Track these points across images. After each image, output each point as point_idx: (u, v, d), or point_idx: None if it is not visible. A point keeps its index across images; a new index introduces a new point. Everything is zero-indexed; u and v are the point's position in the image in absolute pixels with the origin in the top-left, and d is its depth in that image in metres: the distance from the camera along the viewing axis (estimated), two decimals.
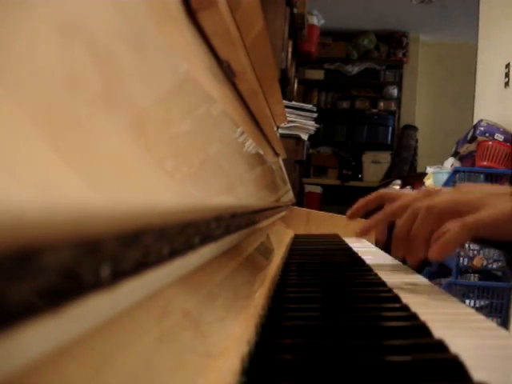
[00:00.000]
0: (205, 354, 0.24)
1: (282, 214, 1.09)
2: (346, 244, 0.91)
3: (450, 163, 2.83)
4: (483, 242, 0.49)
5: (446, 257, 0.46)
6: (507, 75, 2.75)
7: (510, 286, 2.46)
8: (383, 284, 0.50)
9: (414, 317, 0.35)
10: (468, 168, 2.64)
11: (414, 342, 0.29)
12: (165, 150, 0.25)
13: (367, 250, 0.84)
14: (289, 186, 1.29)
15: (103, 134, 0.17)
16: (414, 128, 4.98)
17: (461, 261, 2.43)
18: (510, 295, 2.48)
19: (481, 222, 0.45)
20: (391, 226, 0.71)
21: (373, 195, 0.68)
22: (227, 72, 0.55)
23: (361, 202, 0.69)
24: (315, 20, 4.15)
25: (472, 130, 2.75)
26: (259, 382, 0.24)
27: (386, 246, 0.73)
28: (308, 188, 4.50)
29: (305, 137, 2.64)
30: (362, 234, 0.69)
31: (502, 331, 0.36)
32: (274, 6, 2.73)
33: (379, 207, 0.69)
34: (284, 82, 3.11)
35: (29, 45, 0.14)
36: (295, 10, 3.28)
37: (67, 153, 0.14)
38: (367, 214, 0.70)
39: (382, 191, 0.69)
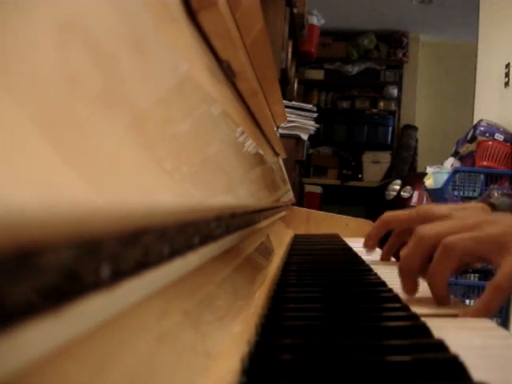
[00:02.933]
0: (205, 354, 0.24)
1: (282, 213, 1.09)
2: (346, 244, 0.91)
3: (450, 163, 2.83)
4: None
5: (444, 288, 0.44)
6: (507, 75, 2.75)
7: None
8: (383, 284, 0.50)
9: (414, 317, 0.35)
10: (468, 168, 2.64)
11: (414, 342, 0.29)
12: (165, 149, 0.25)
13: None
14: (289, 186, 1.29)
15: (103, 133, 0.17)
16: (414, 128, 4.99)
17: None
18: (510, 295, 2.47)
19: (459, 245, 0.43)
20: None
21: (378, 224, 0.69)
22: (227, 72, 0.55)
23: (371, 235, 0.71)
24: (315, 20, 4.15)
25: (472, 130, 2.75)
26: (259, 381, 0.24)
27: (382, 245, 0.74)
28: (308, 188, 4.50)
29: (305, 137, 2.64)
30: (369, 250, 0.71)
31: (502, 331, 0.36)
32: (273, 6, 2.73)
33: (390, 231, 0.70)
34: (284, 81, 3.10)
35: (28, 44, 0.14)
36: (295, 10, 3.28)
37: (67, 153, 0.14)
38: (382, 241, 0.72)
39: (386, 217, 0.70)
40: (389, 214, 0.69)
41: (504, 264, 0.42)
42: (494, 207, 0.64)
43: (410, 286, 0.47)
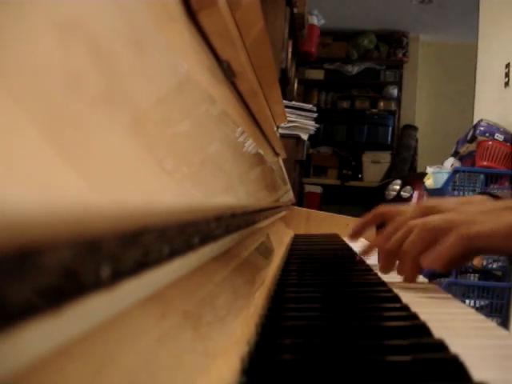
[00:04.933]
0: (205, 354, 0.24)
1: (282, 213, 1.09)
2: (346, 244, 0.91)
3: (450, 163, 2.83)
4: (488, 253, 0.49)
5: (439, 266, 0.46)
6: (507, 75, 2.75)
7: (510, 286, 2.46)
8: (383, 284, 0.50)
9: (414, 317, 0.35)
10: (468, 168, 2.64)
11: (414, 342, 0.29)
12: (165, 149, 0.25)
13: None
14: (289, 186, 1.29)
15: (103, 133, 0.17)
16: (414, 128, 4.99)
17: None
18: (510, 295, 2.48)
19: (474, 234, 0.45)
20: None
21: (372, 214, 0.69)
22: (227, 72, 0.55)
23: (361, 221, 0.70)
24: (315, 20, 4.15)
25: (472, 130, 2.75)
26: (259, 382, 0.24)
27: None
28: (308, 188, 4.50)
29: (305, 137, 2.64)
30: (352, 237, 0.70)
31: (502, 331, 0.36)
32: (274, 6, 2.73)
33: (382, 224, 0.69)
34: (284, 82, 3.10)
35: (28, 44, 0.14)
36: (295, 10, 3.28)
37: (67, 152, 0.14)
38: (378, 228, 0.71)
39: (381, 208, 0.70)
40: (386, 207, 0.69)
41: (472, 226, 0.46)
42: (498, 198, 0.64)
43: (389, 267, 0.52)
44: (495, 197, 0.65)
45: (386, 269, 0.53)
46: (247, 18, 0.57)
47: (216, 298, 0.32)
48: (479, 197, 0.64)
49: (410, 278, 0.51)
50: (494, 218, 0.47)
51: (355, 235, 0.70)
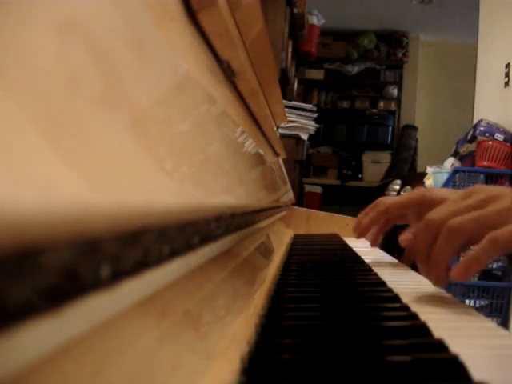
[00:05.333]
0: (205, 353, 0.24)
1: (282, 213, 1.09)
2: (346, 244, 0.91)
3: (450, 163, 2.83)
4: None
5: (471, 276, 0.42)
6: (507, 75, 2.75)
7: (510, 286, 2.46)
8: (383, 284, 0.50)
9: (414, 317, 0.35)
10: (468, 168, 2.64)
11: (414, 342, 0.29)
12: (165, 149, 0.25)
13: (367, 250, 0.84)
14: (289, 185, 1.29)
15: (103, 133, 0.17)
16: (414, 128, 4.99)
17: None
18: (510, 295, 2.48)
19: (507, 237, 0.41)
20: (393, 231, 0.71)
21: (375, 211, 0.69)
22: (227, 72, 0.55)
23: (365, 218, 0.70)
24: (315, 20, 4.15)
25: (472, 130, 2.75)
26: (259, 381, 0.24)
27: (384, 246, 0.74)
28: (308, 188, 4.50)
29: (305, 137, 2.64)
30: (360, 234, 0.70)
31: (502, 331, 0.36)
32: (274, 6, 2.73)
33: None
34: (284, 82, 3.10)
35: (28, 44, 0.14)
36: (295, 10, 3.28)
37: (67, 152, 0.14)
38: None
39: (381, 201, 0.70)
40: (387, 201, 0.68)
41: (507, 226, 0.42)
42: None
43: (443, 276, 0.47)
44: None
45: (440, 281, 0.47)
46: (247, 18, 0.57)
47: (216, 297, 0.32)
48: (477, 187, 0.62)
49: (441, 284, 0.47)
50: (482, 208, 0.45)
51: (363, 231, 0.70)
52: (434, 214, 0.48)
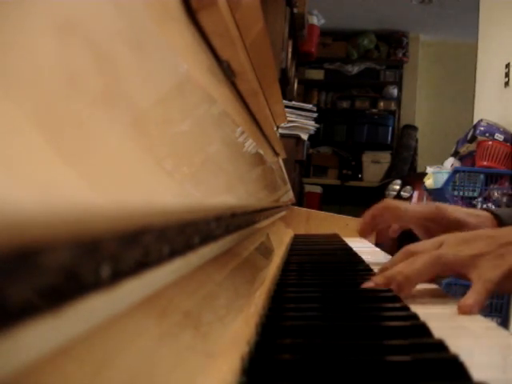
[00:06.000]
0: (205, 353, 0.24)
1: (282, 213, 1.09)
2: (346, 244, 0.91)
3: (450, 163, 2.83)
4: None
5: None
6: (507, 75, 2.75)
7: None
8: None
9: (414, 317, 0.35)
10: (468, 168, 2.64)
11: (414, 342, 0.29)
12: (165, 149, 0.25)
13: (367, 250, 0.84)
14: (289, 185, 1.29)
15: (103, 133, 0.17)
16: (414, 128, 4.98)
17: None
18: (510, 295, 2.47)
19: (492, 283, 0.45)
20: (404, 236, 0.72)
21: (378, 208, 0.69)
22: (227, 72, 0.55)
23: (368, 216, 0.70)
24: (315, 20, 4.14)
25: (472, 130, 2.75)
26: (259, 381, 0.24)
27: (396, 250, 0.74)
28: (308, 188, 4.50)
29: (305, 137, 2.63)
30: (362, 234, 0.70)
31: (502, 331, 0.36)
32: (274, 6, 2.73)
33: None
34: (284, 82, 3.10)
35: (28, 44, 0.14)
36: (295, 10, 3.28)
37: (67, 152, 0.14)
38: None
39: (387, 202, 0.70)
40: (388, 202, 0.69)
41: (489, 272, 0.46)
42: (499, 219, 0.65)
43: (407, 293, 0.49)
44: (496, 216, 0.66)
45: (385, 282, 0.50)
46: (247, 18, 0.57)
47: (216, 297, 0.32)
48: (480, 212, 0.64)
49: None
50: (503, 260, 0.47)
51: (365, 231, 0.71)
52: (417, 247, 0.52)
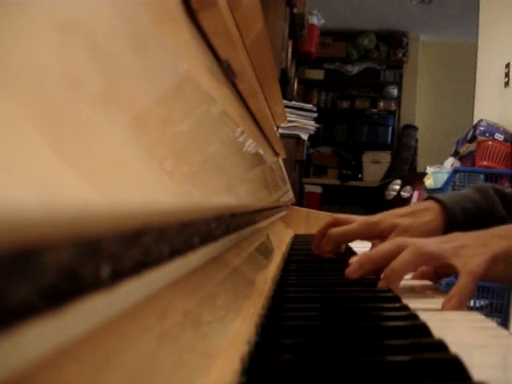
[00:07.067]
0: (205, 353, 0.24)
1: (282, 213, 1.09)
2: (346, 244, 0.91)
3: (450, 163, 2.83)
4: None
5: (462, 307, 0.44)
6: (507, 75, 2.75)
7: (510, 286, 2.46)
8: None
9: (414, 316, 0.35)
10: (468, 168, 2.64)
11: (414, 342, 0.29)
12: (164, 149, 0.25)
13: (367, 250, 0.84)
14: (289, 185, 1.29)
15: (103, 133, 0.17)
16: (414, 128, 4.98)
17: None
18: (510, 295, 2.47)
19: (481, 269, 0.45)
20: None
21: (325, 225, 0.71)
22: (227, 72, 0.55)
23: (319, 235, 0.71)
24: (315, 20, 4.14)
25: (472, 130, 2.75)
26: (259, 381, 0.24)
27: None
28: (308, 188, 4.50)
29: (305, 137, 2.63)
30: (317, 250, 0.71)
31: (502, 331, 0.36)
32: (274, 6, 2.73)
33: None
34: (284, 82, 3.10)
35: (28, 44, 0.14)
36: (295, 10, 3.28)
37: (67, 152, 0.14)
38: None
39: (335, 217, 0.72)
40: (335, 230, 0.69)
41: (473, 259, 0.46)
42: (443, 205, 0.67)
43: (366, 273, 0.52)
44: (439, 201, 0.67)
45: (356, 274, 0.52)
46: (247, 18, 0.57)
47: (216, 297, 0.32)
48: (426, 204, 0.66)
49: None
50: (485, 247, 0.48)
51: (320, 248, 0.71)
52: (406, 239, 0.52)
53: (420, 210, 0.68)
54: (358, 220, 0.70)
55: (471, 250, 0.48)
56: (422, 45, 5.18)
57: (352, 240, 0.72)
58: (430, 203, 0.70)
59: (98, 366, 0.16)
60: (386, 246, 0.52)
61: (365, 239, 0.72)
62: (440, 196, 0.70)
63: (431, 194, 0.77)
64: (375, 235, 0.68)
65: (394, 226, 0.66)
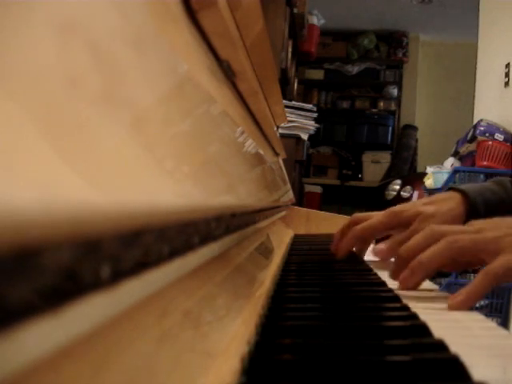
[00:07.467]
0: (205, 353, 0.24)
1: (282, 213, 1.09)
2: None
3: (450, 163, 2.83)
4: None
5: (470, 306, 0.43)
6: (507, 75, 2.75)
7: (510, 286, 2.46)
8: (383, 284, 0.50)
9: (414, 316, 0.35)
10: (468, 168, 2.64)
11: (414, 342, 0.29)
12: (164, 149, 0.25)
13: (367, 251, 0.84)
14: (289, 185, 1.29)
15: (103, 133, 0.17)
16: (414, 128, 4.99)
17: None
18: (510, 295, 2.48)
19: (504, 269, 0.43)
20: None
21: (347, 224, 0.70)
22: (227, 72, 0.55)
23: (338, 234, 0.70)
24: (315, 20, 4.15)
25: (472, 130, 2.75)
26: (259, 381, 0.24)
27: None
28: (308, 188, 4.50)
29: (305, 137, 2.64)
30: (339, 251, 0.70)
31: (502, 331, 0.36)
32: (274, 6, 2.73)
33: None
34: (284, 82, 3.10)
35: (28, 44, 0.14)
36: (295, 10, 3.28)
37: (67, 152, 0.14)
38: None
39: (356, 216, 0.71)
40: (359, 225, 0.69)
41: (501, 257, 0.44)
42: (465, 194, 0.67)
43: (420, 282, 0.49)
44: (460, 191, 0.67)
45: (396, 276, 0.50)
46: (247, 18, 0.57)
47: (216, 297, 0.32)
48: (442, 195, 0.66)
49: (411, 288, 0.49)
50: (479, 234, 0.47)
51: (342, 250, 0.70)
52: (441, 227, 0.50)
53: (442, 199, 0.68)
54: (380, 213, 0.69)
55: None
56: (422, 45, 5.18)
57: (378, 233, 0.71)
58: (452, 193, 0.69)
59: (97, 365, 0.16)
60: (419, 237, 0.50)
61: (390, 229, 0.70)
62: (461, 186, 0.70)
63: (452, 185, 0.77)
64: (400, 224, 0.67)
65: (417, 214, 0.65)
